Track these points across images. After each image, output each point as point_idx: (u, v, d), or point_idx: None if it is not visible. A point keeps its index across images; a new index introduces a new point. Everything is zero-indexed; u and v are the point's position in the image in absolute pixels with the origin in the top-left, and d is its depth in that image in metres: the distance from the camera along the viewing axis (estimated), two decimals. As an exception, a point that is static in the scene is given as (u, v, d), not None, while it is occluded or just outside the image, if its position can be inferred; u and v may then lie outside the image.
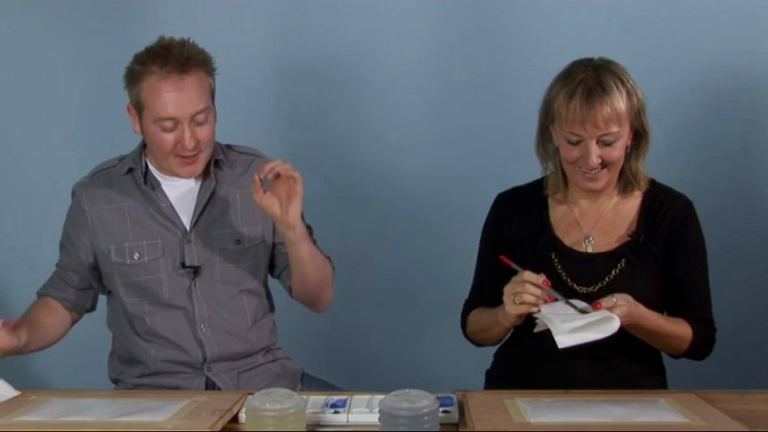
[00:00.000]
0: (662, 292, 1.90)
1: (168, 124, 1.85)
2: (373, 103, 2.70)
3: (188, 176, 1.94)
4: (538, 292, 1.72)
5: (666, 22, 2.58)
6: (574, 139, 1.83)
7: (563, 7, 2.59)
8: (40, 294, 2.01)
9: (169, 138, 1.86)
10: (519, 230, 1.95)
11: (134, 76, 1.86)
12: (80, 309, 2.02)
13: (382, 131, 2.70)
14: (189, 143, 1.85)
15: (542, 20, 2.60)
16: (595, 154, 1.82)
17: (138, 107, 1.88)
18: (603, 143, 1.82)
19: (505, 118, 2.58)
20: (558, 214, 1.96)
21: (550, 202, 1.97)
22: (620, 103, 1.81)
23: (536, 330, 1.75)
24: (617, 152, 1.84)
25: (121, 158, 2.01)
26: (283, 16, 2.67)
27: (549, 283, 1.74)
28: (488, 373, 2.05)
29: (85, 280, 2.00)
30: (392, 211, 2.70)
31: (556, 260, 1.90)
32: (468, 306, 2.03)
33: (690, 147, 2.61)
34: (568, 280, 1.87)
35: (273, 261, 2.06)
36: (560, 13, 2.59)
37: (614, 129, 1.81)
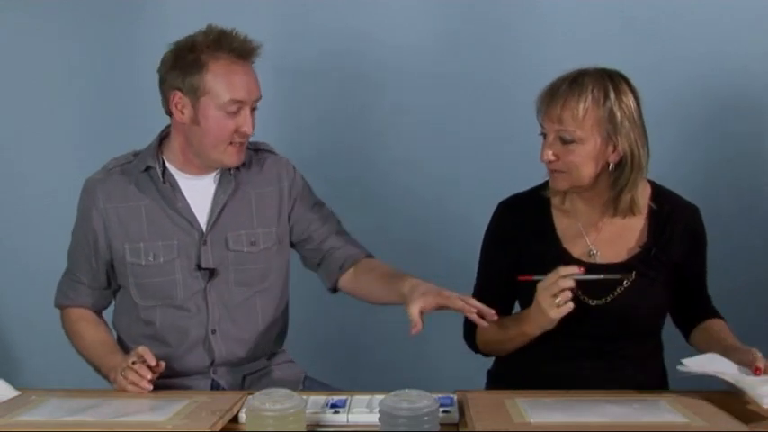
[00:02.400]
0: (671, 300, 1.91)
1: (234, 108, 1.84)
2: (374, 103, 2.70)
3: (235, 165, 1.91)
4: (571, 283, 1.72)
5: (668, 24, 2.58)
6: (542, 131, 1.85)
7: (565, 10, 2.59)
8: (63, 306, 1.99)
9: (231, 124, 1.85)
10: (525, 241, 1.92)
11: (196, 63, 1.82)
12: (105, 307, 2.02)
13: (383, 132, 2.70)
14: (249, 128, 1.86)
15: (541, 21, 2.60)
16: (550, 149, 1.82)
17: (197, 93, 1.83)
18: (562, 140, 1.81)
19: (506, 118, 2.58)
20: (564, 226, 1.93)
21: (554, 212, 1.94)
22: (580, 104, 1.78)
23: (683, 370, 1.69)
24: (575, 157, 1.81)
25: (136, 154, 1.97)
26: (284, 16, 2.67)
27: (584, 269, 1.75)
28: (489, 373, 2.05)
29: (104, 281, 1.97)
30: (393, 210, 2.70)
31: None
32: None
33: (693, 149, 2.61)
34: (579, 292, 1.82)
35: (303, 257, 2.06)
36: (562, 15, 2.59)
37: (570, 127, 1.79)
